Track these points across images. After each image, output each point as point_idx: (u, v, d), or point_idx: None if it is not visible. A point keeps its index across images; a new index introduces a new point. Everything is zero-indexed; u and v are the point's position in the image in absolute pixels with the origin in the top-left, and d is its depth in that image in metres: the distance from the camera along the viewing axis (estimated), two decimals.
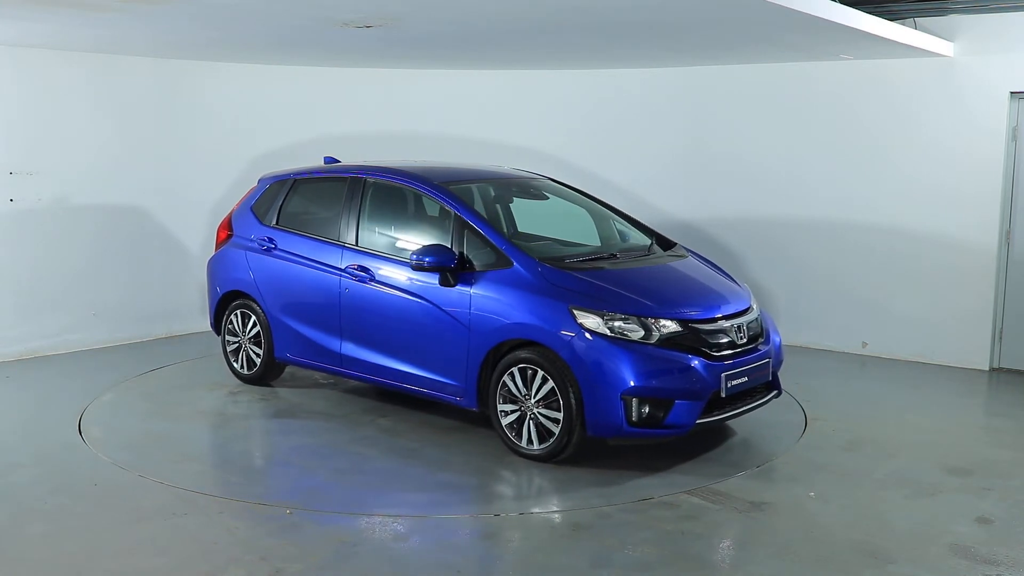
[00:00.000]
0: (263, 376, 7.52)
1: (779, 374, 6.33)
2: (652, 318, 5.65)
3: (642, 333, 5.60)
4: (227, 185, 9.49)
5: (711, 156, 9.40)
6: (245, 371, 7.59)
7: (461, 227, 6.27)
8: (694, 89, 9.47)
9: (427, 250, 6.14)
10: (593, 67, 9.69)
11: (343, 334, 6.85)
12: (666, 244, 6.84)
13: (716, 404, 5.76)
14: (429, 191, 6.60)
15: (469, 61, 9.20)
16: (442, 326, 6.20)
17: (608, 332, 5.58)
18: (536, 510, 5.14)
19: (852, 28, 6.63)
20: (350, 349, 6.82)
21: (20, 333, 8.33)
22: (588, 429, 5.62)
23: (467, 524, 4.99)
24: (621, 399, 5.48)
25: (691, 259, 6.67)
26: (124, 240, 8.93)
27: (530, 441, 5.83)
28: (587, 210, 7.17)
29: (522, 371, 5.82)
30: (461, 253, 6.17)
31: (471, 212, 6.34)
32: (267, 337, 7.36)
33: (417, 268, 6.19)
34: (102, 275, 8.81)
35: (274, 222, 7.43)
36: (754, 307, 6.29)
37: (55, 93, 8.39)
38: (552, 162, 9.54)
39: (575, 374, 5.59)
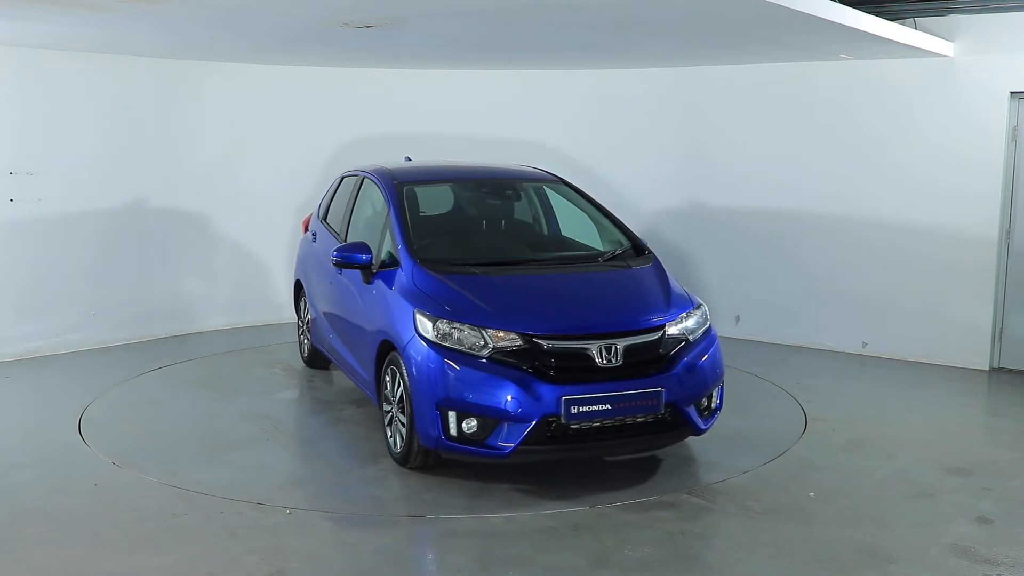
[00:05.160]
0: (313, 360, 7.95)
1: (701, 407, 5.52)
2: (491, 329, 5.25)
3: (480, 343, 5.23)
4: (226, 185, 9.50)
5: (710, 155, 9.40)
6: (303, 355, 8.15)
7: (387, 224, 6.26)
8: (694, 89, 9.46)
9: (345, 247, 6.18)
10: (594, 67, 9.69)
11: (331, 324, 7.05)
12: (639, 250, 6.36)
13: (574, 434, 5.18)
14: (383, 188, 6.56)
15: (471, 61, 9.20)
16: (361, 322, 6.25)
17: (435, 339, 5.29)
18: (535, 510, 5.13)
19: (852, 28, 6.63)
20: (334, 339, 6.99)
21: (20, 333, 8.33)
22: (418, 437, 5.39)
23: (467, 524, 4.99)
24: (437, 409, 5.22)
25: (636, 270, 6.01)
26: (125, 240, 8.92)
27: (395, 443, 5.72)
28: (586, 213, 7.10)
29: (391, 372, 5.70)
30: (383, 251, 6.14)
31: (397, 209, 6.21)
32: (309, 325, 7.74)
33: (336, 264, 6.20)
34: (102, 275, 8.80)
35: (323, 217, 7.70)
36: (670, 329, 5.47)
37: (55, 93, 8.39)
38: (557, 159, 9.49)
39: (408, 379, 5.41)
